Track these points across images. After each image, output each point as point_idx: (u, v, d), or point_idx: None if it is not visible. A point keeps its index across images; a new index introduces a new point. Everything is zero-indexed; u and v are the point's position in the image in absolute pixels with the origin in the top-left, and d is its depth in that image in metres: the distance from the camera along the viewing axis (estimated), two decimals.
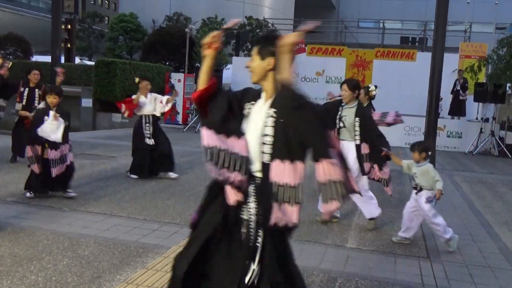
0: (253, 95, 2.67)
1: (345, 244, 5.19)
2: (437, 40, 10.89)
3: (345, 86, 5.71)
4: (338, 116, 5.79)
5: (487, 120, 15.25)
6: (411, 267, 4.61)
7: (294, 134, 2.42)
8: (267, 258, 2.51)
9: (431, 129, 10.95)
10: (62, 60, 20.14)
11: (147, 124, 8.12)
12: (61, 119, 6.15)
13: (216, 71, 17.55)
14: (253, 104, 2.63)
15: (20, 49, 31.17)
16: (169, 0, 39.17)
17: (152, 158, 8.09)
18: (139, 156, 8.13)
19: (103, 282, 3.83)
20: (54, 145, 6.13)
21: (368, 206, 5.77)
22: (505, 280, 4.45)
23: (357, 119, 5.64)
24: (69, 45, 25.83)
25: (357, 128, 5.64)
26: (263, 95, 2.64)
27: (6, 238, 4.70)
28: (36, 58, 29.68)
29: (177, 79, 18.29)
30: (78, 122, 19.32)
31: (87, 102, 19.72)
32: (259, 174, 2.52)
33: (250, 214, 2.53)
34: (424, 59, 16.27)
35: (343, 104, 5.83)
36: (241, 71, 18.35)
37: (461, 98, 15.98)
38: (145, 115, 8.13)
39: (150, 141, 8.09)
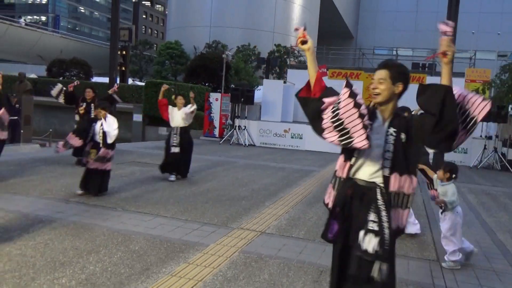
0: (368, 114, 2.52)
1: None
2: None
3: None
4: None
5: (490, 137, 14.87)
6: (423, 269, 4.49)
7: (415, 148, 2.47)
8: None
9: None
10: (118, 81, 20.56)
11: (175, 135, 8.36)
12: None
13: (248, 91, 17.63)
14: (370, 124, 2.48)
15: (82, 71, 32.04)
16: (209, 30, 39.65)
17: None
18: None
19: (151, 274, 3.85)
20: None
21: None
22: (509, 283, 4.28)
23: None
24: (123, 68, 26.38)
25: None
26: (380, 115, 2.58)
27: (69, 233, 4.79)
28: (96, 79, 30.45)
29: (215, 98, 18.45)
30: (130, 134, 19.70)
31: (137, 117, 20.09)
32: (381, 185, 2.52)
33: (383, 222, 2.50)
34: (433, 82, 15.99)
35: None
36: (270, 92, 18.40)
37: None
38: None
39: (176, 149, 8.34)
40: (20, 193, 6.42)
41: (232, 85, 21.67)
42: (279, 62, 31.88)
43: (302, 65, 27.18)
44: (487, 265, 4.77)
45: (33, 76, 30.06)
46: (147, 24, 79.53)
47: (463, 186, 10.21)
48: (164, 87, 8.76)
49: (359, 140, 2.37)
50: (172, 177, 8.30)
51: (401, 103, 2.65)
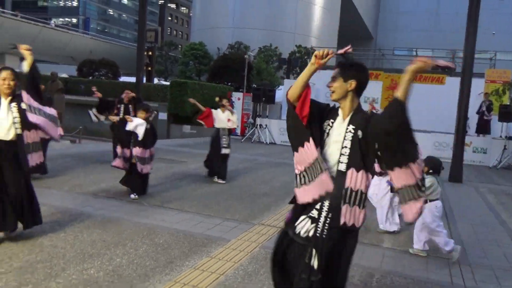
0: (333, 113, 2.62)
1: (381, 244, 5.04)
2: (466, 67, 10.47)
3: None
4: None
5: (510, 138, 14.47)
6: (441, 268, 4.41)
7: (372, 147, 2.44)
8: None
9: (459, 145, 10.51)
10: (144, 80, 20.78)
11: (224, 136, 8.11)
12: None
13: (270, 91, 17.59)
14: (332, 121, 2.58)
15: (110, 71, 32.48)
16: (232, 32, 39.72)
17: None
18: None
19: (174, 266, 3.89)
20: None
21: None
22: None
23: None
24: (149, 68, 26.62)
25: None
26: (340, 112, 2.59)
27: (97, 226, 4.87)
28: (123, 79, 30.83)
29: (237, 97, 18.48)
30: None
31: (162, 116, 20.21)
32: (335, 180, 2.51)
33: (322, 212, 2.50)
34: (452, 83, 15.65)
35: None
36: None
37: (485, 118, 15.22)
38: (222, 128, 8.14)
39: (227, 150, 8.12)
40: (52, 187, 6.56)
41: (254, 85, 21.62)
42: (299, 62, 31.66)
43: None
44: (506, 265, 4.65)
45: (64, 75, 30.63)
46: (173, 26, 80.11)
47: (482, 186, 9.98)
48: (191, 101, 8.29)
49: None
50: (221, 181, 8.02)
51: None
